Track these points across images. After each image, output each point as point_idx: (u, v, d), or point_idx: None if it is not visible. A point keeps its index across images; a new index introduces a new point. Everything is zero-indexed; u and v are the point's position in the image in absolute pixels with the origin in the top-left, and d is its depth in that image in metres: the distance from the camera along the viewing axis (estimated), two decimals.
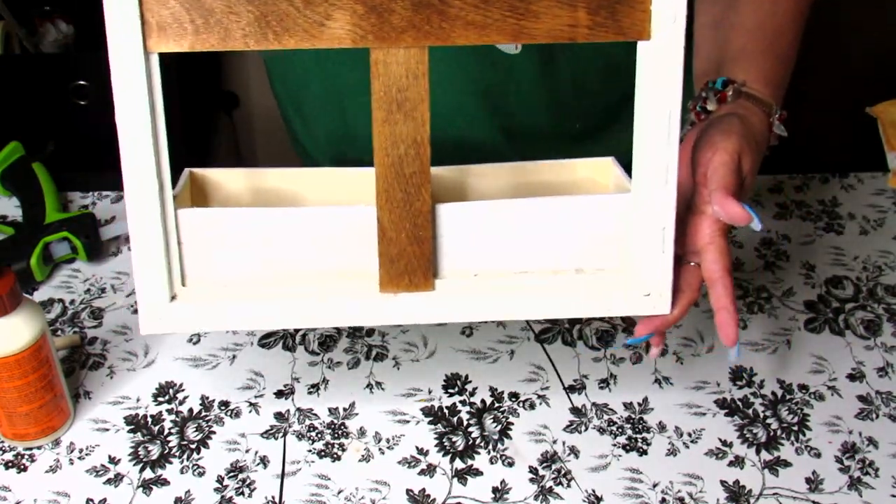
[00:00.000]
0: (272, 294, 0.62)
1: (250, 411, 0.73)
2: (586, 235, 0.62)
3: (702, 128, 0.67)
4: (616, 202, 0.62)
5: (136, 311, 0.81)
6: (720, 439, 0.71)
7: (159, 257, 0.59)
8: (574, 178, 0.72)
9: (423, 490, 0.67)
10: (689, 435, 0.71)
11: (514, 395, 0.74)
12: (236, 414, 0.72)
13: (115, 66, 0.55)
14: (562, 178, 0.71)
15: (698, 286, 0.64)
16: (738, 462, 0.69)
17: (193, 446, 0.70)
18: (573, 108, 0.87)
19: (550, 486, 0.67)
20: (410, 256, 0.61)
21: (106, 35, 0.55)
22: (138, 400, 0.73)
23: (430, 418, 0.72)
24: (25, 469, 0.68)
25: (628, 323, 0.80)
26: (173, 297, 0.61)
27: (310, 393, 0.74)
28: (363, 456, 0.69)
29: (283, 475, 0.68)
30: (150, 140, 0.56)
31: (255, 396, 0.74)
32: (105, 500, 0.66)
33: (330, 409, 0.73)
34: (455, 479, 0.68)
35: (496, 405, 0.73)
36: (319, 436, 0.71)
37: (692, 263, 0.64)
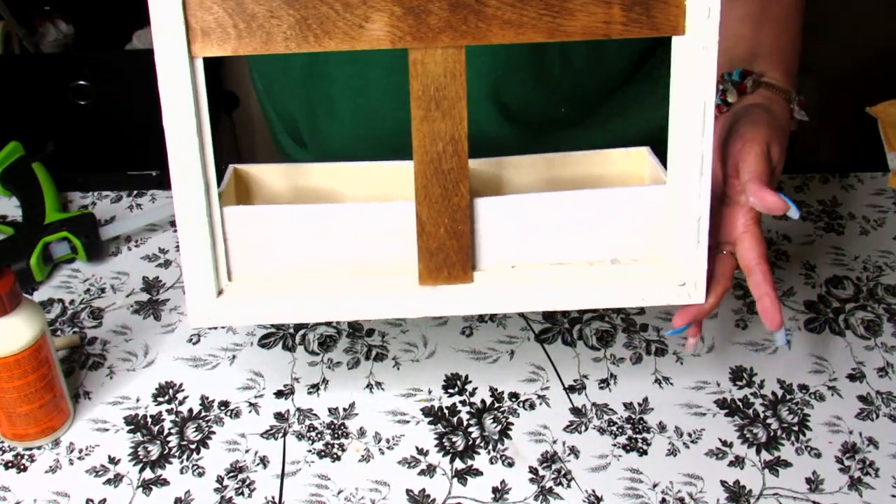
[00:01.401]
0: (315, 288, 0.63)
1: (250, 411, 0.73)
2: (622, 227, 0.63)
3: (727, 120, 0.67)
4: (651, 194, 0.62)
5: (135, 311, 0.81)
6: (720, 439, 0.71)
7: (206, 254, 0.61)
8: (609, 169, 0.72)
9: (423, 490, 0.67)
10: (690, 435, 0.71)
11: (514, 395, 0.74)
12: (236, 414, 0.72)
13: (162, 71, 0.56)
14: (597, 170, 0.72)
15: (731, 275, 0.65)
16: (739, 462, 0.69)
17: (193, 446, 0.70)
18: (560, 87, 0.86)
19: (550, 487, 0.67)
20: (449, 250, 0.62)
21: (153, 41, 0.56)
22: (138, 400, 0.73)
23: (430, 418, 0.72)
24: (25, 469, 0.68)
25: (628, 323, 0.80)
26: (220, 293, 0.62)
27: (310, 393, 0.74)
28: (363, 456, 0.69)
29: (282, 475, 0.68)
30: (196, 141, 0.58)
31: (255, 396, 0.74)
32: (105, 500, 0.66)
33: (330, 409, 0.73)
34: (455, 480, 0.68)
35: (496, 405, 0.73)
36: (319, 436, 0.71)
37: (724, 252, 0.65)
